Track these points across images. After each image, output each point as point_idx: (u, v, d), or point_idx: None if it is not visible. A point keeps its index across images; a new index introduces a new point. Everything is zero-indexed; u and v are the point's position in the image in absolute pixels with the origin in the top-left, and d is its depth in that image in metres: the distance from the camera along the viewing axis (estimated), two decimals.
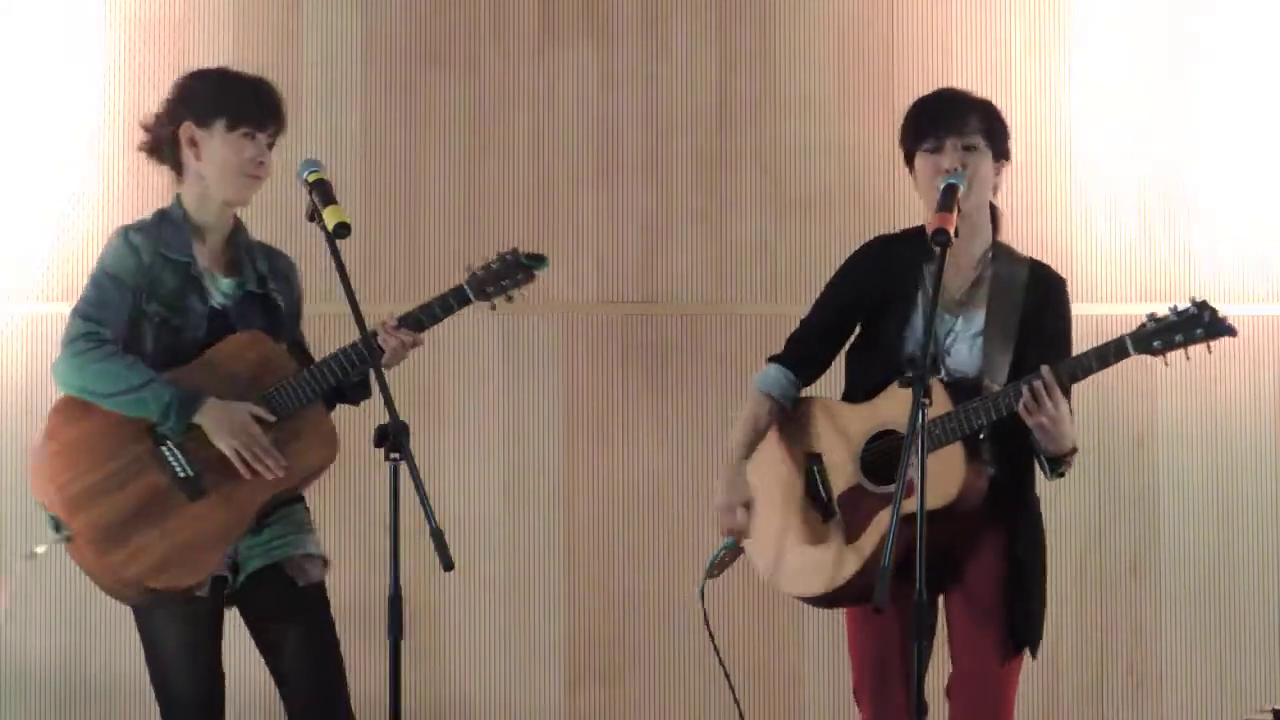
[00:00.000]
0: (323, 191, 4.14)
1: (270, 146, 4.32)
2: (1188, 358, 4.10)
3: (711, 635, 4.52)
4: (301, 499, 4.39)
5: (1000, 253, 4.34)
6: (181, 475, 4.17)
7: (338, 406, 4.44)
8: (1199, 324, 4.06)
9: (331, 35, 5.86)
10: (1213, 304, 4.07)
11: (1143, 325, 4.10)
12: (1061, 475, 4.26)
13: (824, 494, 4.29)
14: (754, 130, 5.88)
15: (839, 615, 4.43)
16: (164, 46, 5.84)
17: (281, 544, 4.30)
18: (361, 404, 4.46)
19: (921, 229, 4.34)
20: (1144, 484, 5.82)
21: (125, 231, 4.30)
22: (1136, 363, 5.79)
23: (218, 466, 4.18)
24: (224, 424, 4.16)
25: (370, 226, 5.76)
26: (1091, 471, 5.76)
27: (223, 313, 4.30)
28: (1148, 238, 5.84)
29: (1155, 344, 4.08)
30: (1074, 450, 4.20)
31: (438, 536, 3.83)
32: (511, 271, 4.38)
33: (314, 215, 4.14)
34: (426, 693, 5.77)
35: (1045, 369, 4.09)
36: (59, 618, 5.75)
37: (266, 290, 4.36)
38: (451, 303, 4.35)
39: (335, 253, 4.10)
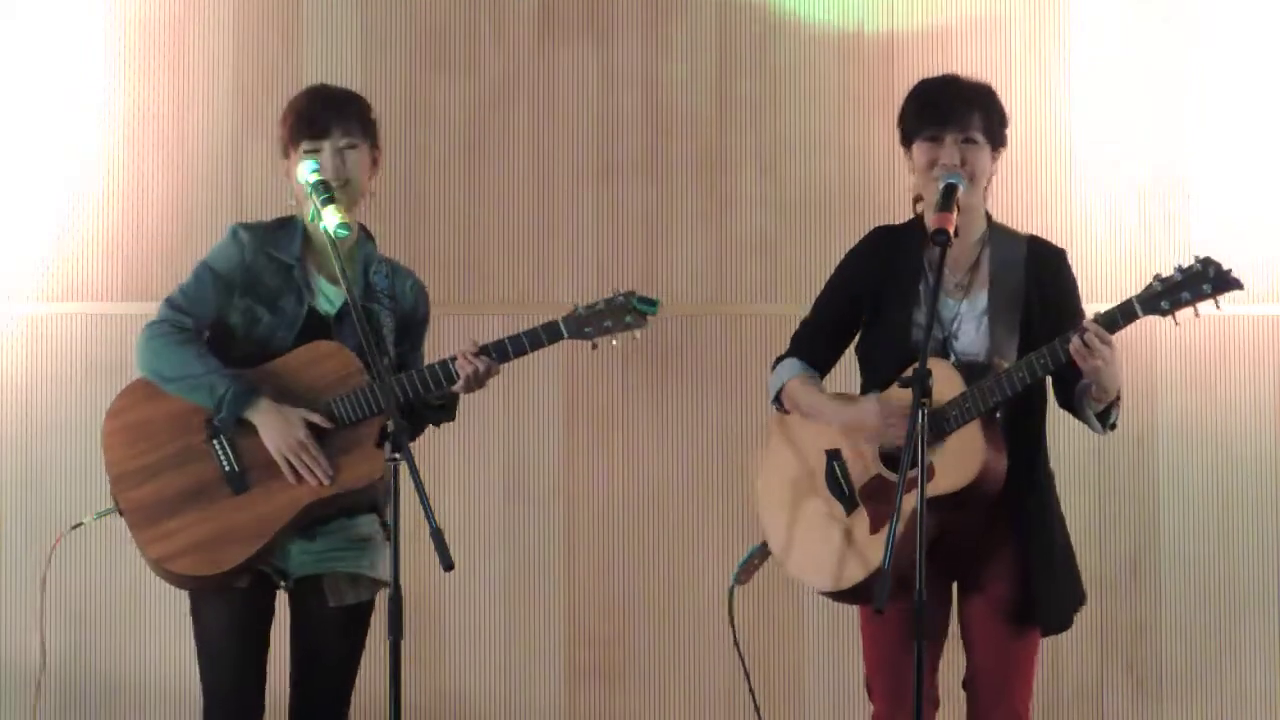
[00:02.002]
0: (323, 191, 4.15)
1: (346, 148, 4.29)
2: (1197, 315, 4.09)
3: (737, 640, 4.50)
4: (375, 510, 4.34)
5: (996, 233, 4.36)
6: (226, 469, 4.22)
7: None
8: (1205, 279, 4.07)
9: (331, 35, 5.86)
10: (1216, 259, 4.08)
11: (1149, 286, 4.10)
12: (1114, 427, 4.30)
13: (846, 487, 4.29)
14: (754, 130, 5.88)
15: (840, 610, 4.43)
16: (164, 46, 5.84)
17: (330, 557, 4.30)
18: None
19: (917, 219, 4.37)
20: (1144, 484, 5.82)
21: (235, 228, 4.37)
22: (1136, 362, 5.82)
23: (265, 464, 4.21)
24: (275, 426, 4.19)
25: (370, 226, 5.74)
26: (1091, 471, 5.77)
27: (323, 319, 4.32)
28: (1148, 238, 5.84)
29: (1163, 304, 4.08)
30: (1119, 397, 4.24)
31: (438, 536, 3.83)
32: (618, 313, 4.36)
33: (314, 215, 4.15)
34: (426, 693, 5.77)
35: (1089, 321, 4.10)
36: (59, 618, 5.75)
37: (371, 303, 4.35)
38: (542, 337, 4.30)
39: (336, 252, 4.11)
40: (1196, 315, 4.10)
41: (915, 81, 4.45)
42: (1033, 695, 4.33)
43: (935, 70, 4.52)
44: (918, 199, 4.46)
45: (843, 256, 4.46)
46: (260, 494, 4.21)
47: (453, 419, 4.44)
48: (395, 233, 5.83)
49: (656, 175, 5.88)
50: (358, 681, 4.37)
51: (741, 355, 5.81)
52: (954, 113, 4.28)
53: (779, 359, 4.47)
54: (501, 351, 4.26)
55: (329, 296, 4.34)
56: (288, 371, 4.27)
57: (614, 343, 4.35)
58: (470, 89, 5.89)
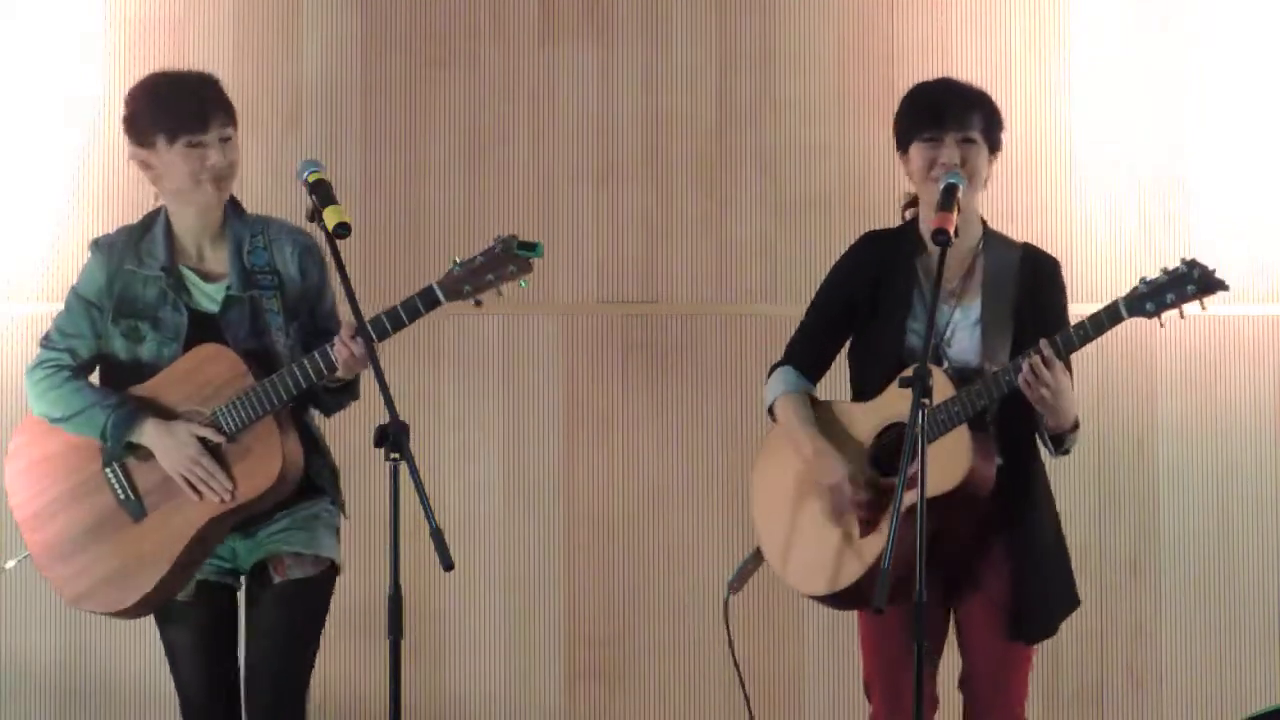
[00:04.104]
0: (323, 191, 4.12)
1: (226, 140, 4.23)
2: (1182, 316, 4.09)
3: (733, 648, 4.51)
4: (324, 493, 4.33)
5: (991, 240, 4.37)
6: (122, 496, 4.18)
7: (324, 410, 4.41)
8: (1189, 280, 4.05)
9: (331, 35, 5.86)
10: (1202, 261, 4.08)
11: (1134, 289, 4.09)
12: (1067, 452, 4.29)
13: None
14: (754, 131, 5.88)
15: (839, 613, 4.42)
16: (164, 46, 5.83)
17: (271, 540, 4.28)
18: (352, 406, 4.40)
19: (910, 224, 4.37)
20: (1144, 484, 5.82)
21: (93, 247, 4.33)
22: (1136, 363, 5.82)
23: (162, 488, 4.16)
24: (166, 446, 4.14)
25: (370, 226, 5.75)
26: (1091, 471, 5.76)
27: (210, 318, 4.26)
28: (1148, 238, 5.83)
29: (1148, 306, 4.07)
30: (1077, 425, 4.22)
31: (438, 536, 3.82)
32: (499, 263, 4.09)
33: (314, 215, 4.13)
34: (426, 693, 5.76)
35: (1043, 341, 4.09)
36: (59, 618, 5.75)
37: (252, 290, 4.27)
38: (419, 306, 4.11)
39: (335, 253, 4.09)
40: (1182, 317, 4.09)
41: (915, 82, 4.46)
42: (1028, 694, 4.34)
43: (935, 71, 4.52)
44: (907, 206, 4.46)
45: (837, 260, 4.47)
46: (158, 518, 4.16)
47: (356, 397, 4.32)
48: (395, 232, 5.83)
49: (656, 175, 5.88)
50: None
51: (741, 355, 5.80)
52: (953, 112, 4.29)
53: (774, 366, 4.47)
54: (380, 329, 4.11)
55: (208, 294, 4.28)
56: (170, 385, 4.20)
57: (500, 294, 4.11)
58: (470, 89, 5.88)
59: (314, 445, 4.35)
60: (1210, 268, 4.06)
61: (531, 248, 4.08)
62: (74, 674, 5.77)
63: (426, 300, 4.11)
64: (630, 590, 5.84)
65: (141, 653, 5.74)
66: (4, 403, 5.79)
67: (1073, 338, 4.10)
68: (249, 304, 4.28)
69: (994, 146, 4.34)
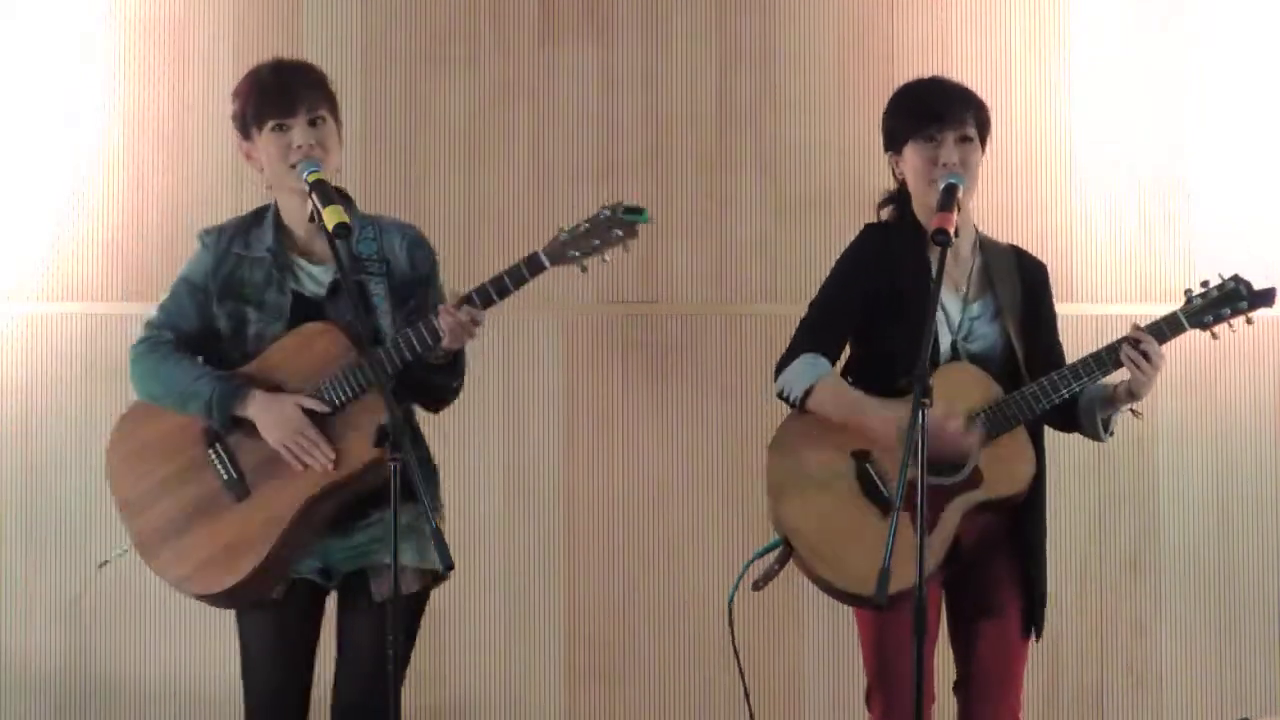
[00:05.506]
0: (322, 191, 4.12)
1: (315, 123, 4.19)
2: (1233, 330, 4.26)
3: (736, 649, 4.49)
4: (418, 500, 4.13)
5: (985, 242, 4.40)
6: (225, 477, 4.15)
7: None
8: (1240, 297, 4.24)
9: (331, 35, 5.86)
10: (1244, 277, 4.26)
11: (1188, 302, 4.25)
12: (1113, 433, 4.40)
13: (885, 490, 4.23)
14: (754, 130, 5.88)
15: (840, 611, 4.41)
16: (164, 46, 5.84)
17: (368, 549, 4.21)
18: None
19: (913, 221, 4.35)
20: (1144, 484, 5.82)
21: (200, 234, 4.31)
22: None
23: (264, 466, 4.14)
24: (271, 417, 4.12)
25: None
26: (1091, 471, 5.77)
27: (314, 301, 4.24)
28: (1148, 238, 5.84)
29: (1207, 319, 4.24)
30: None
31: (438, 536, 3.82)
32: (604, 228, 4.17)
33: (314, 215, 4.13)
34: (426, 693, 5.77)
35: (1141, 329, 4.22)
36: (59, 618, 5.75)
37: (358, 275, 4.24)
38: (524, 272, 4.15)
39: (335, 253, 4.09)
40: (1232, 330, 4.26)
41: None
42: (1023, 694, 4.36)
43: (935, 71, 4.52)
44: (884, 204, 4.45)
45: (850, 248, 4.41)
46: (261, 497, 4.14)
47: (460, 378, 4.29)
48: None
49: (656, 175, 5.88)
50: None
51: (742, 355, 5.81)
52: (952, 111, 4.28)
53: (788, 357, 4.35)
54: (484, 296, 4.13)
55: (315, 276, 4.26)
56: (279, 361, 4.19)
57: (605, 260, 4.18)
58: (470, 89, 5.89)
59: (414, 437, 4.29)
60: (1259, 287, 4.24)
61: (639, 212, 4.16)
62: (74, 674, 5.77)
63: (531, 265, 4.16)
64: (630, 590, 5.84)
65: (142, 653, 5.74)
66: (4, 403, 5.79)
67: (1164, 329, 4.23)
68: (355, 287, 4.20)
69: (984, 143, 4.34)
